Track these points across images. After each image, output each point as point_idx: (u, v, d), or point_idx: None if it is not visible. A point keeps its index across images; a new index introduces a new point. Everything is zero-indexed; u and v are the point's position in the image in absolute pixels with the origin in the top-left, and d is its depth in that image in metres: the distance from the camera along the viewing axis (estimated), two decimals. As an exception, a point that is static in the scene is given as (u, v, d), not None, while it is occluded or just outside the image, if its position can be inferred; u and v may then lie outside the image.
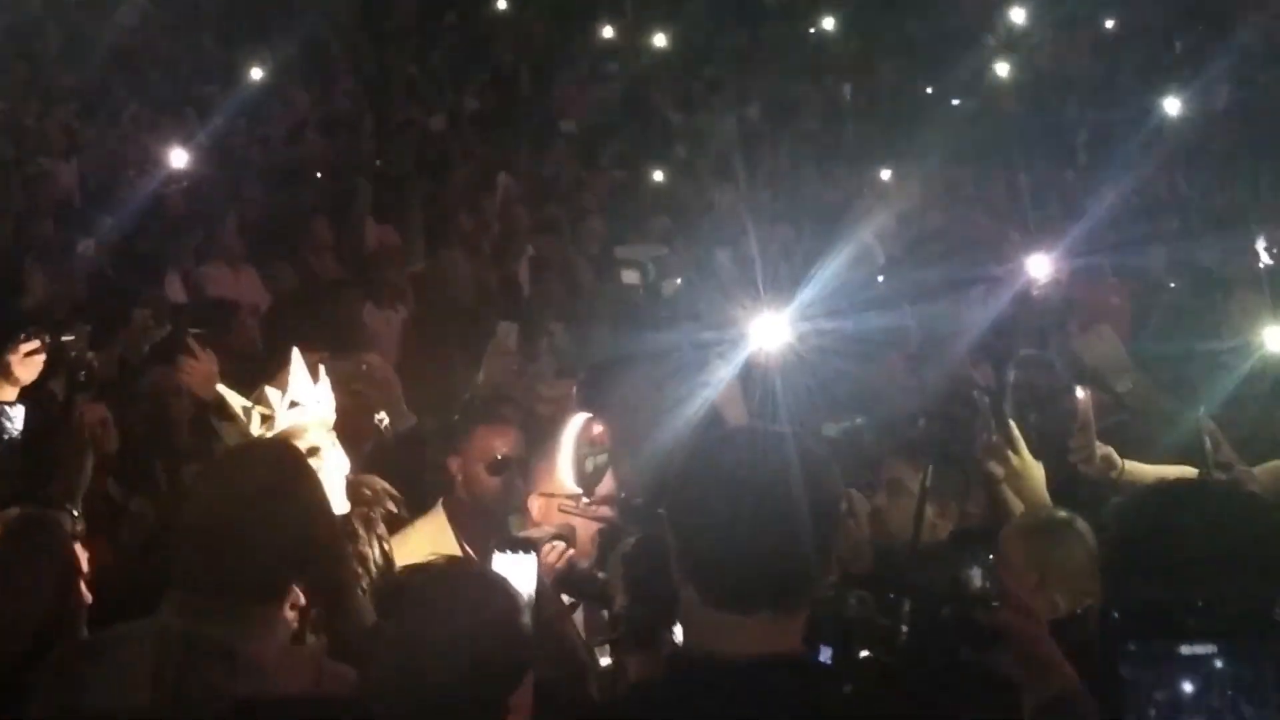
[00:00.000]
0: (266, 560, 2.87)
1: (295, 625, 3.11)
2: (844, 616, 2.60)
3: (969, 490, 4.31)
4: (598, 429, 4.78)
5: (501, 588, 2.89)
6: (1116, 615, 1.96)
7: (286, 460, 3.09)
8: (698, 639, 2.34)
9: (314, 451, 3.73)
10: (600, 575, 3.92)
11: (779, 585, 2.29)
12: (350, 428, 5.08)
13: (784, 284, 7.11)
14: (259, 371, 5.04)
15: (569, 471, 4.52)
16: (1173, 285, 8.42)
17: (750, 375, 5.78)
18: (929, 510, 4.03)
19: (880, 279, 8.69)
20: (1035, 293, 8.13)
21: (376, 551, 3.91)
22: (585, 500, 4.47)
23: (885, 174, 11.88)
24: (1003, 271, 8.44)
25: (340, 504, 3.70)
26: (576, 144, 13.11)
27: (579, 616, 4.12)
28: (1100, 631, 1.99)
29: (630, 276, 9.37)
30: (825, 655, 2.52)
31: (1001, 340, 6.95)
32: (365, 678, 2.78)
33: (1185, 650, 1.95)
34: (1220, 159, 11.77)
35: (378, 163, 11.56)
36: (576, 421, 4.68)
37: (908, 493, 4.09)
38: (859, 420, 5.70)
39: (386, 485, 4.15)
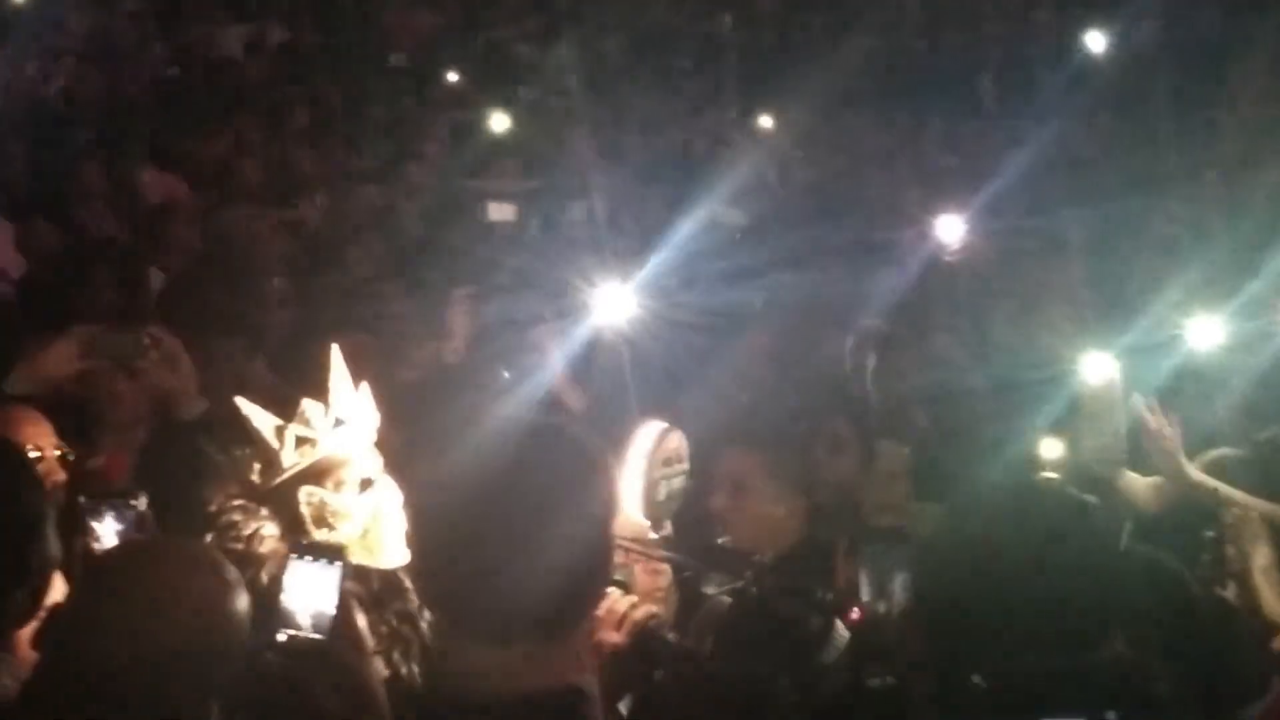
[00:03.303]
0: None
1: None
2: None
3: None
4: (674, 442, 4.55)
5: (208, 566, 2.81)
6: (980, 680, 1.95)
7: None
8: (450, 676, 2.25)
9: (367, 484, 3.40)
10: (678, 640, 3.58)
11: (542, 612, 2.18)
12: (128, 415, 5.00)
13: (635, 246, 7.13)
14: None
15: (636, 498, 4.24)
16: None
17: (594, 355, 5.81)
18: (778, 510, 4.07)
19: (748, 242, 8.69)
20: (944, 262, 8.16)
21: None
22: (653, 536, 4.20)
23: (763, 119, 11.92)
24: (902, 236, 8.49)
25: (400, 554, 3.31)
26: (406, 79, 13.02)
27: None
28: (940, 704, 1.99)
29: (502, 213, 9.06)
30: None
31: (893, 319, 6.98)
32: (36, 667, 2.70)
33: None
34: (1146, 108, 11.90)
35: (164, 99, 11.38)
36: (648, 433, 4.38)
37: (757, 491, 4.14)
38: None
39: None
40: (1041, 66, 12.54)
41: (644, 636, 3.48)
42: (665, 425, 4.51)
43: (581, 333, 5.58)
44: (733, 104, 12.93)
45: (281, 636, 2.99)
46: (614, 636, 3.18)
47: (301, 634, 2.98)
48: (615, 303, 5.59)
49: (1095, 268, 8.03)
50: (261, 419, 3.43)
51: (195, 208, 9.65)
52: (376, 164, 11.07)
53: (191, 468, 4.46)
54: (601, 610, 3.20)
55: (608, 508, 2.30)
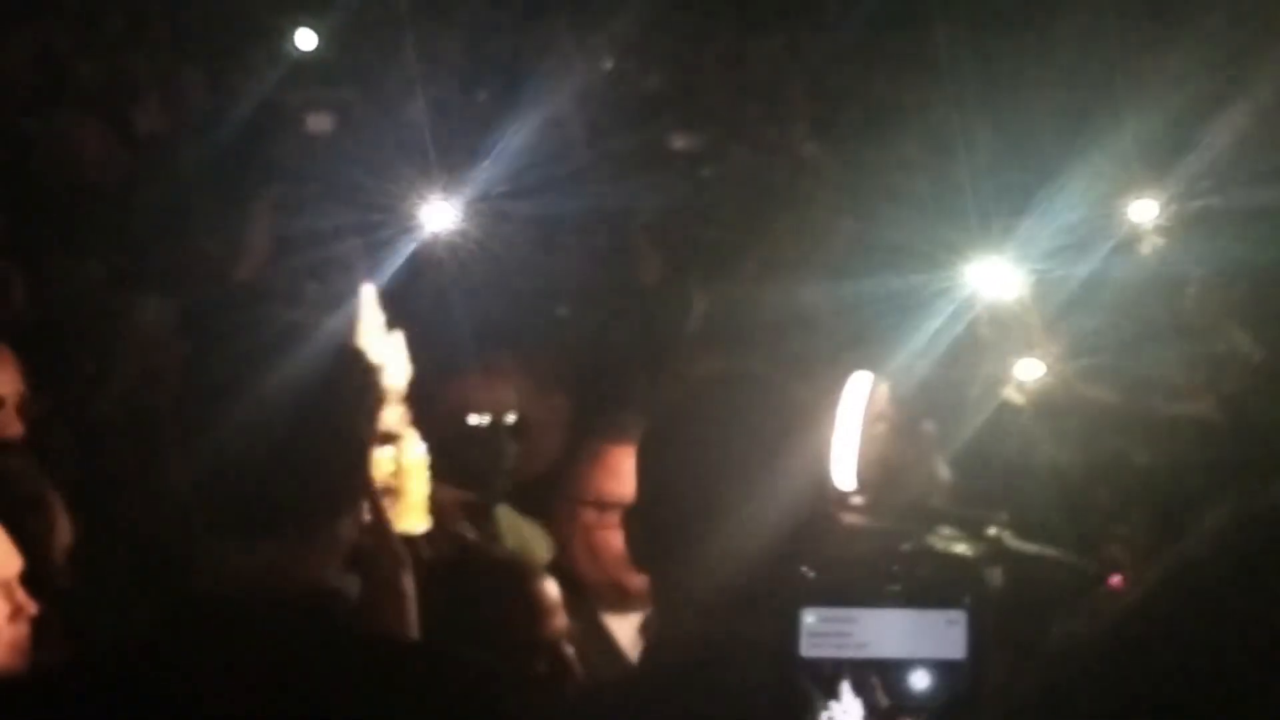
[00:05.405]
0: None
1: None
2: None
3: None
4: (884, 391, 3.91)
5: None
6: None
7: None
8: (199, 575, 2.23)
9: (389, 439, 3.10)
10: None
11: (287, 505, 2.20)
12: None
13: (461, 157, 6.97)
14: None
15: (850, 460, 3.53)
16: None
17: (420, 270, 5.66)
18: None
19: (581, 151, 8.58)
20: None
21: None
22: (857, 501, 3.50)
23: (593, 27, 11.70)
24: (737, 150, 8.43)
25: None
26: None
27: None
28: None
29: (319, 123, 8.86)
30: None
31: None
32: None
33: None
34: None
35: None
36: (859, 385, 3.70)
37: None
38: None
39: None
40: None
41: None
42: (874, 375, 3.89)
43: (402, 247, 5.45)
44: (561, 10, 12.74)
45: None
46: None
47: None
48: (439, 215, 5.50)
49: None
50: None
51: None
52: (202, 69, 10.76)
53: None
54: None
55: (364, 407, 2.32)
